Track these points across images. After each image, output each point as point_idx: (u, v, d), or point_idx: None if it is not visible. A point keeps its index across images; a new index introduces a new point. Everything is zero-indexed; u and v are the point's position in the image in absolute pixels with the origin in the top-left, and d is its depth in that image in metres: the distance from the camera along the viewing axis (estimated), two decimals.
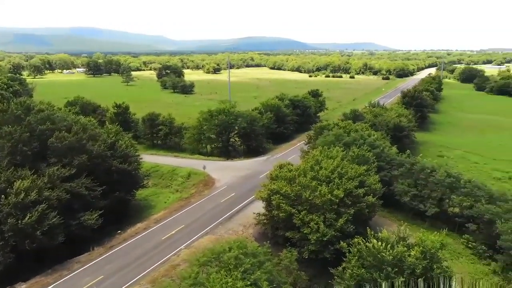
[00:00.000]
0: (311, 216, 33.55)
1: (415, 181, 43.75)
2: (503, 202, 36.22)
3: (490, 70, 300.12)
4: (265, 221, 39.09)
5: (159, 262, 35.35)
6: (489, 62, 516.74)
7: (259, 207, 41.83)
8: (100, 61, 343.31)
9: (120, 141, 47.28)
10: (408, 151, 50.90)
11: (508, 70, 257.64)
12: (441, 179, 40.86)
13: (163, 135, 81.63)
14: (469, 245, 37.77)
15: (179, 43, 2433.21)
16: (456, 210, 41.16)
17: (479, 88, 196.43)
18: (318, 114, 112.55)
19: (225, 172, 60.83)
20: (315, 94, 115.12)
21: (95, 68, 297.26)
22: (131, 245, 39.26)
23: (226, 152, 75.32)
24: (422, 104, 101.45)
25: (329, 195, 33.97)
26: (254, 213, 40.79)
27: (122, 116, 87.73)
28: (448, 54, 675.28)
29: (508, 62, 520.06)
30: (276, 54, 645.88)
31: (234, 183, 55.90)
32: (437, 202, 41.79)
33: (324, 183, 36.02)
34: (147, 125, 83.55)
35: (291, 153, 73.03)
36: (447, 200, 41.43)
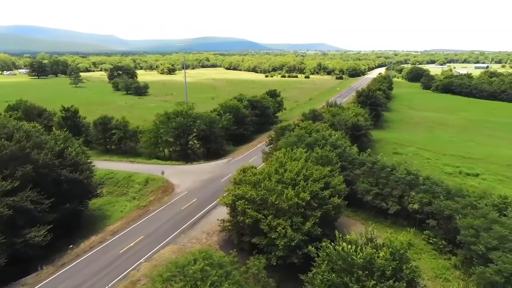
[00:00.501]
0: (278, 221, 32.59)
1: (377, 180, 44.32)
2: (460, 198, 37.41)
3: (434, 70, 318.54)
4: (229, 227, 37.63)
5: (118, 279, 32.70)
6: (432, 62, 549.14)
7: (223, 212, 40.38)
8: (45, 61, 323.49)
9: (69, 148, 43.56)
10: (369, 150, 51.66)
11: (450, 70, 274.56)
12: (401, 177, 41.66)
13: (117, 139, 77.56)
14: (430, 241, 38.71)
15: (131, 43, 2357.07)
16: (416, 206, 42.13)
17: (426, 86, 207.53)
18: (276, 114, 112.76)
19: (185, 176, 58.55)
20: (273, 94, 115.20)
21: (39, 69, 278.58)
22: (85, 261, 36.15)
23: (185, 156, 72.85)
24: (376, 103, 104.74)
25: (296, 198, 33.21)
26: (218, 219, 39.20)
27: (71, 120, 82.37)
28: (395, 55, 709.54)
29: (449, 62, 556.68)
30: (231, 54, 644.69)
31: (195, 188, 53.80)
32: (398, 200, 42.57)
33: (290, 186, 35.23)
34: (99, 129, 79.02)
35: (252, 154, 72.10)
36: (407, 197, 42.29)
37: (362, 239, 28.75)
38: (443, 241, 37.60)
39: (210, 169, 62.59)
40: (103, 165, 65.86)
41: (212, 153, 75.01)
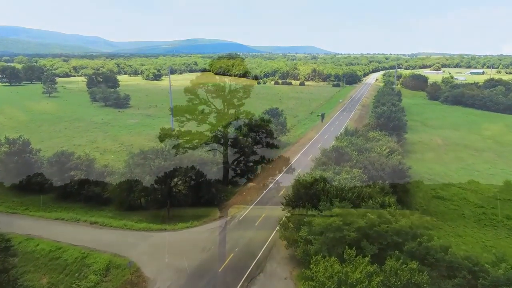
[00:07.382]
0: None
1: None
2: None
3: (432, 76, 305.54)
4: None
5: None
6: (425, 66, 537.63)
7: None
8: (20, 66, 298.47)
9: None
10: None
11: (451, 77, 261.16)
12: None
13: (77, 183, 58.64)
14: None
15: (117, 45, 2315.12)
16: None
17: (432, 97, 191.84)
18: (278, 138, 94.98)
19: (164, 259, 39.91)
20: (275, 113, 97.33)
21: (12, 75, 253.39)
22: None
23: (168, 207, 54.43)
24: (399, 126, 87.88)
25: None
26: None
27: (19, 156, 63.03)
28: (386, 58, 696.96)
29: (443, 66, 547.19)
30: (220, 57, 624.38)
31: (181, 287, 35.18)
32: None
33: None
34: (55, 169, 60.12)
35: (258, 209, 53.96)
36: None
37: None
38: None
39: (201, 242, 43.70)
40: (50, 230, 47.20)
41: (205, 202, 56.93)
